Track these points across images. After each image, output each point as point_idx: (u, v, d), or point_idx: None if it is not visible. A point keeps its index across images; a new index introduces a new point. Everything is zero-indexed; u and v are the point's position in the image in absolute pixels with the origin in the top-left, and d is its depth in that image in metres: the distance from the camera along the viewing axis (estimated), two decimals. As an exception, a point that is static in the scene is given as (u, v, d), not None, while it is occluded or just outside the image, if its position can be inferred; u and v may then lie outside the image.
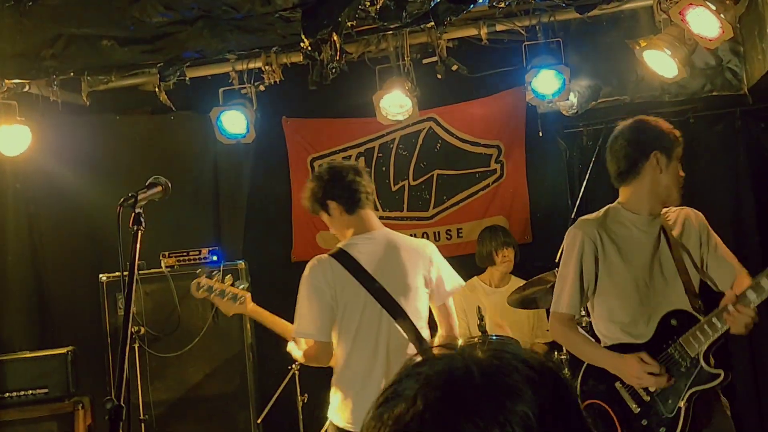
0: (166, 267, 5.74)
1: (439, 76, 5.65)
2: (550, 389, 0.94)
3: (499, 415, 0.90)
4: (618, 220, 3.43)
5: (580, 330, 3.52)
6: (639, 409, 3.28)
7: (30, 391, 5.42)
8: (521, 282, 5.54)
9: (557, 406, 0.93)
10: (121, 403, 2.59)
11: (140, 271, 5.55)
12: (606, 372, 3.34)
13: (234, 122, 5.87)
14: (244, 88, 5.82)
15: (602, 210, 3.50)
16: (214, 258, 5.78)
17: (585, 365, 3.42)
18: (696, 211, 3.48)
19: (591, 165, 6.27)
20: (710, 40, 4.57)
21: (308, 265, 3.80)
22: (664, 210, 3.45)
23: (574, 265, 3.39)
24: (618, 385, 3.33)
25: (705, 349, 3.17)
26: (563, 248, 3.50)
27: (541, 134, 6.42)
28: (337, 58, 4.46)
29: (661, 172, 3.37)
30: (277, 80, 5.66)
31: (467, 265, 6.09)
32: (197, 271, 4.20)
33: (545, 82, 5.40)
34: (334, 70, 4.72)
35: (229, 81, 5.80)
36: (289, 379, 5.15)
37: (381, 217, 6.66)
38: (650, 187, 3.39)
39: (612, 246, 3.36)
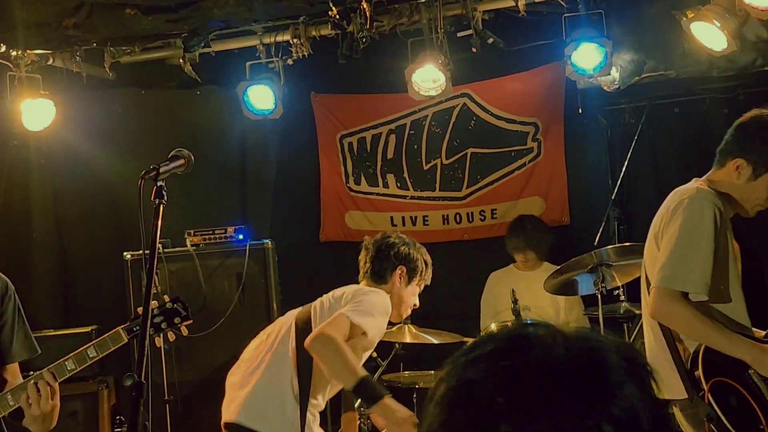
0: (192, 245, 5.74)
1: (474, 50, 5.58)
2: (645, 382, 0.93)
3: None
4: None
5: (715, 317, 3.05)
6: None
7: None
8: (553, 267, 5.48)
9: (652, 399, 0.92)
10: (142, 379, 2.59)
11: (165, 250, 5.58)
12: (732, 360, 2.95)
13: (261, 97, 5.85)
14: (272, 62, 5.79)
15: (698, 185, 3.20)
16: (240, 237, 5.78)
17: (703, 348, 2.99)
18: None
19: (633, 144, 6.19)
20: (762, 11, 4.44)
21: None
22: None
23: (707, 238, 3.01)
24: (752, 372, 2.93)
25: None
26: (679, 219, 3.09)
27: (580, 111, 6.33)
28: (367, 27, 4.40)
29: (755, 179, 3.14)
30: (306, 54, 5.62)
31: (502, 246, 6.05)
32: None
33: (586, 56, 5.30)
34: (364, 41, 4.66)
35: (257, 55, 5.78)
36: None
37: (412, 197, 6.75)
38: (746, 185, 3.15)
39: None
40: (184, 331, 3.49)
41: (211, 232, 5.79)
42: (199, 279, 5.68)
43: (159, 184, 2.88)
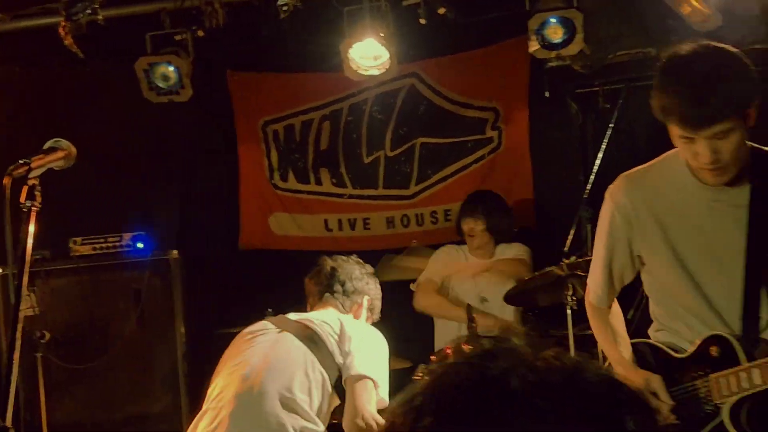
0: (78, 256, 5.66)
1: (422, 21, 5.59)
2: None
3: None
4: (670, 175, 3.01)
5: (610, 324, 3.27)
6: None
7: None
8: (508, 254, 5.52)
9: None
10: (8, 424, 2.54)
11: (45, 263, 5.48)
12: None
13: (166, 76, 5.79)
14: (179, 33, 5.74)
15: (655, 160, 3.09)
16: (140, 245, 5.71)
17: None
18: None
19: (609, 132, 6.24)
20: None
21: None
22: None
23: (597, 242, 3.16)
24: None
25: (735, 402, 2.86)
26: None
27: (548, 95, 6.37)
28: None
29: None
30: (220, 23, 5.57)
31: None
32: None
33: (552, 31, 5.35)
34: (285, 9, 4.65)
35: (160, 24, 5.72)
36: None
37: (350, 196, 6.74)
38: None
39: (653, 220, 3.00)
40: None
41: (102, 240, 5.72)
42: (89, 297, 5.61)
43: (31, 182, 2.83)
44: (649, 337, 3.20)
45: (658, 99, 2.75)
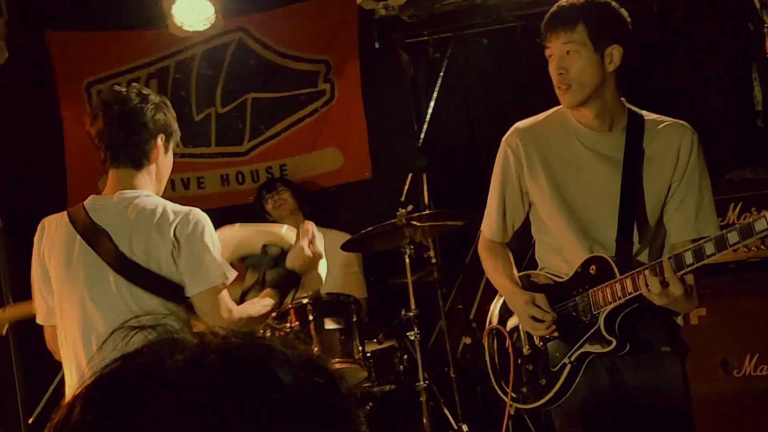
0: None
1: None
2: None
3: None
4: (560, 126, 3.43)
5: (501, 256, 3.60)
6: (529, 352, 3.48)
7: None
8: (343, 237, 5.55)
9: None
10: None
11: None
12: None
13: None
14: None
15: (547, 112, 3.50)
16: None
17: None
18: (692, 130, 3.33)
19: (440, 81, 6.34)
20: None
21: None
22: (651, 118, 3.37)
23: (494, 181, 3.54)
24: (522, 329, 3.54)
25: (609, 310, 3.23)
26: None
27: (377, 46, 6.40)
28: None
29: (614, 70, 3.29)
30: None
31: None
32: None
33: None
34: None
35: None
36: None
37: (182, 155, 6.62)
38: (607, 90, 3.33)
39: (540, 160, 3.42)
40: None
41: None
42: None
43: None
44: None
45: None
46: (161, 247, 3.30)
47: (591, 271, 3.31)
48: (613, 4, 3.25)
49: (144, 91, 3.47)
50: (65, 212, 3.53)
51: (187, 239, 3.32)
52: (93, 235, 3.37)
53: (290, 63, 6.66)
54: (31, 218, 6.21)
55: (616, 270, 3.22)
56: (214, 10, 5.65)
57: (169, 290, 3.33)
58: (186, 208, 3.38)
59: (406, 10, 5.98)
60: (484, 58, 6.44)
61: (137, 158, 3.42)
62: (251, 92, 6.69)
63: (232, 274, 3.40)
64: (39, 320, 3.56)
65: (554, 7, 3.23)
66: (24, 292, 5.50)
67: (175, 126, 3.55)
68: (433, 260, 5.53)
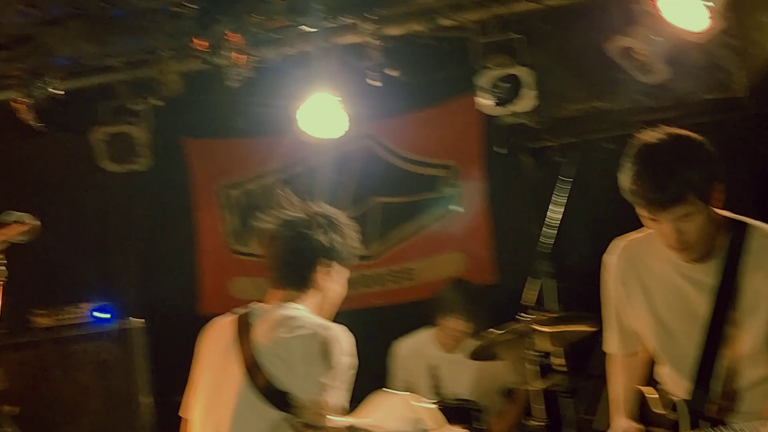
0: (39, 329, 5.61)
1: (374, 83, 5.67)
2: None
3: None
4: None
5: (615, 373, 3.53)
6: None
7: None
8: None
9: None
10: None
11: (4, 337, 5.43)
12: None
13: (123, 144, 5.82)
14: (135, 102, 5.79)
15: (643, 231, 3.32)
16: (103, 315, 5.69)
17: None
18: None
19: (564, 186, 6.32)
20: (697, 34, 4.68)
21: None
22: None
23: (608, 301, 3.48)
24: None
25: None
26: None
27: (502, 151, 6.45)
28: (243, 62, 4.46)
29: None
30: (175, 93, 5.63)
31: (421, 314, 6.09)
32: None
33: (501, 88, 5.47)
34: (239, 78, 4.72)
35: (116, 94, 5.78)
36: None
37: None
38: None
39: (638, 284, 3.34)
40: None
41: (62, 311, 5.68)
42: (49, 370, 5.56)
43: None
44: None
45: (625, 183, 3.03)
46: (294, 367, 3.34)
47: (670, 417, 3.17)
48: (705, 145, 3.04)
49: (311, 212, 3.52)
50: (233, 315, 3.57)
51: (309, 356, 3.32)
52: (243, 340, 3.43)
53: (416, 168, 6.77)
54: (167, 315, 6.48)
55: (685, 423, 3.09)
56: (343, 117, 5.80)
57: (286, 403, 3.34)
58: (322, 327, 3.41)
59: (532, 116, 6.03)
60: (611, 164, 6.41)
61: (298, 282, 3.48)
62: (379, 197, 6.80)
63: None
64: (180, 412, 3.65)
65: (651, 174, 2.96)
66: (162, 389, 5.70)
67: (343, 247, 3.52)
68: (559, 368, 5.44)
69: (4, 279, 2.84)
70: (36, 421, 5.53)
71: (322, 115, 5.79)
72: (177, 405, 4.32)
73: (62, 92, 5.41)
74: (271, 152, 6.85)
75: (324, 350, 3.30)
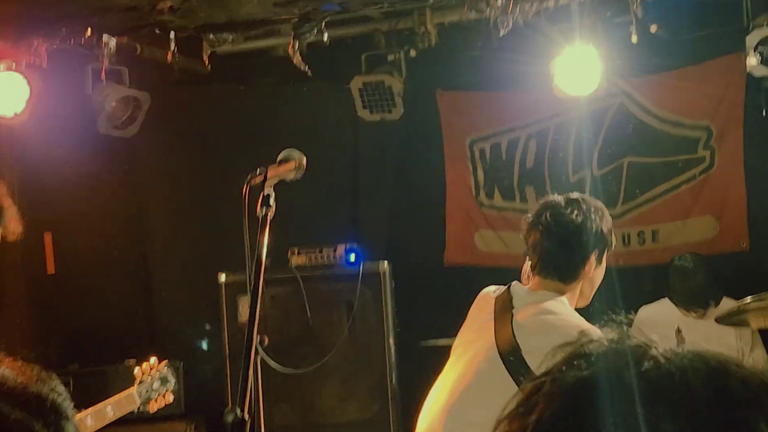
0: (296, 266, 5.88)
1: (633, 40, 5.55)
2: None
3: None
4: None
5: None
6: None
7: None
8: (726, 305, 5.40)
9: None
10: (245, 416, 2.70)
11: (266, 272, 5.72)
12: None
13: (379, 94, 5.96)
14: (392, 53, 5.91)
15: None
16: (352, 257, 5.89)
17: None
18: None
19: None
20: None
21: None
22: None
23: None
24: None
25: None
26: None
27: (765, 114, 6.20)
28: (509, 10, 4.46)
29: None
30: (432, 44, 5.71)
31: (661, 278, 5.98)
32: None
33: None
34: (505, 26, 4.72)
35: (374, 44, 5.91)
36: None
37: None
38: None
39: None
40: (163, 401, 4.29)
41: (317, 251, 5.93)
42: (304, 307, 5.81)
43: (266, 191, 2.99)
44: None
45: None
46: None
47: None
48: None
49: (584, 204, 3.46)
50: (503, 288, 3.56)
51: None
52: (502, 319, 3.43)
53: (670, 128, 6.59)
54: (413, 263, 6.64)
55: None
56: (598, 73, 5.71)
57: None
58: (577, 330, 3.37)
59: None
60: None
61: (567, 275, 3.45)
62: (628, 156, 6.68)
63: None
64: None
65: None
66: (406, 333, 5.86)
67: (611, 236, 3.53)
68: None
69: (272, 212, 2.97)
70: (284, 352, 5.80)
71: (577, 70, 5.72)
72: (420, 350, 4.47)
73: (327, 40, 5.58)
74: (521, 107, 6.84)
75: None
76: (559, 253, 3.44)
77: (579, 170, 6.77)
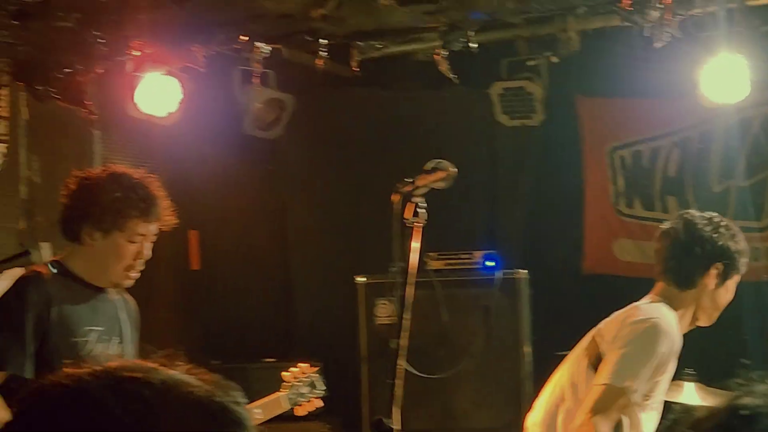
0: (433, 270, 5.92)
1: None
2: None
3: None
4: None
5: None
6: None
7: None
8: None
9: None
10: (394, 425, 2.76)
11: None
12: None
13: (519, 99, 5.97)
14: (533, 58, 5.90)
15: None
16: (490, 263, 5.90)
17: None
18: None
19: None
20: None
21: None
22: None
23: None
24: None
25: None
26: None
27: None
28: (667, 19, 4.40)
29: None
30: (574, 50, 5.67)
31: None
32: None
33: None
34: (661, 39, 4.67)
35: (515, 50, 5.91)
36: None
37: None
38: None
39: None
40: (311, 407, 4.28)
41: (455, 256, 5.96)
42: (441, 311, 5.85)
43: (416, 201, 3.07)
44: None
45: None
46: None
47: None
48: None
49: (718, 219, 3.61)
50: None
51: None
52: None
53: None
54: (550, 271, 6.61)
55: None
56: (746, 82, 5.58)
57: None
58: (648, 318, 3.52)
59: None
60: None
61: (682, 280, 3.60)
62: (775, 168, 6.52)
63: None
64: None
65: None
66: (541, 341, 5.85)
67: (740, 255, 3.61)
68: None
69: (422, 222, 3.05)
70: (420, 356, 5.85)
71: (725, 78, 5.60)
72: (556, 359, 4.43)
73: (475, 46, 5.60)
74: (664, 115, 6.74)
75: (644, 337, 3.46)
76: (678, 256, 3.59)
77: (723, 180, 6.63)
